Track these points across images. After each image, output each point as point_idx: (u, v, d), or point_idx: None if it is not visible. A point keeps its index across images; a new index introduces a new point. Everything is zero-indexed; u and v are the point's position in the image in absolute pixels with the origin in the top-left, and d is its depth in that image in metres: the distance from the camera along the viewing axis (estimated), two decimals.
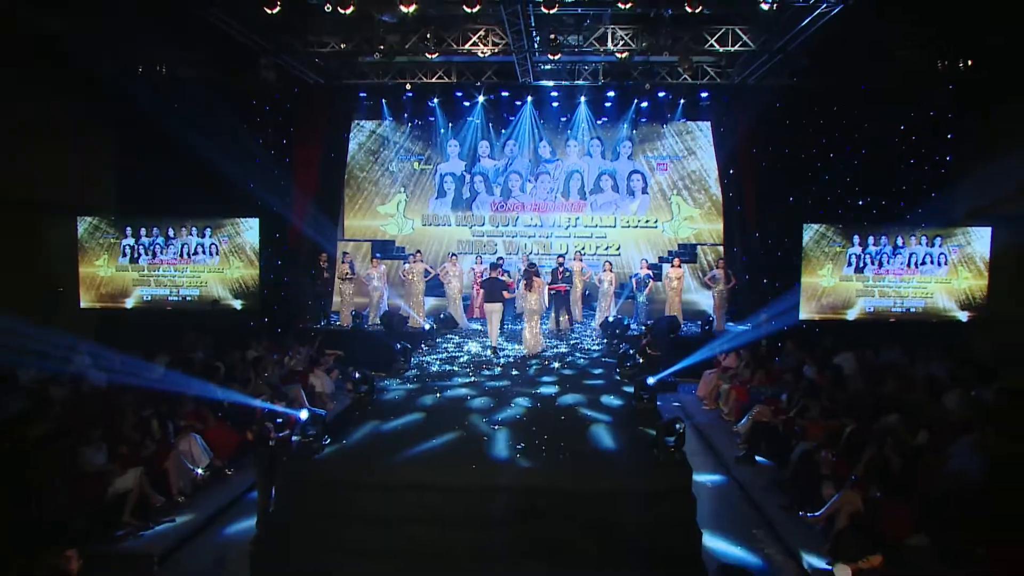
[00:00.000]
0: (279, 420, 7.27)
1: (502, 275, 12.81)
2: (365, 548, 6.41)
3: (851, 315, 14.03)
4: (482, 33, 11.82)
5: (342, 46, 11.85)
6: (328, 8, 9.32)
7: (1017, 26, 10.29)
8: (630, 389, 9.42)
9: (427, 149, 17.30)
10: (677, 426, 7.18)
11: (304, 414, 7.36)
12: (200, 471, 8.06)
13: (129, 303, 13.97)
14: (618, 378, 10.30)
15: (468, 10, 9.59)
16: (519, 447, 7.36)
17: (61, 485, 6.49)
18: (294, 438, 7.37)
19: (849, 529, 6.40)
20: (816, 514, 7.39)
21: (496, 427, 8.00)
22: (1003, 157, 12.47)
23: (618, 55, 12.20)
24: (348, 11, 9.55)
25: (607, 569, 6.10)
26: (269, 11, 9.62)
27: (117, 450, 7.43)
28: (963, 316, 13.78)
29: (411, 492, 6.70)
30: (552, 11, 9.77)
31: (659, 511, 6.59)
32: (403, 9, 9.55)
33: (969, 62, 11.86)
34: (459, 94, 15.80)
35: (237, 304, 14.07)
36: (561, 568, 6.22)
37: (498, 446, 7.46)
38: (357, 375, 9.01)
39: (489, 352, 11.95)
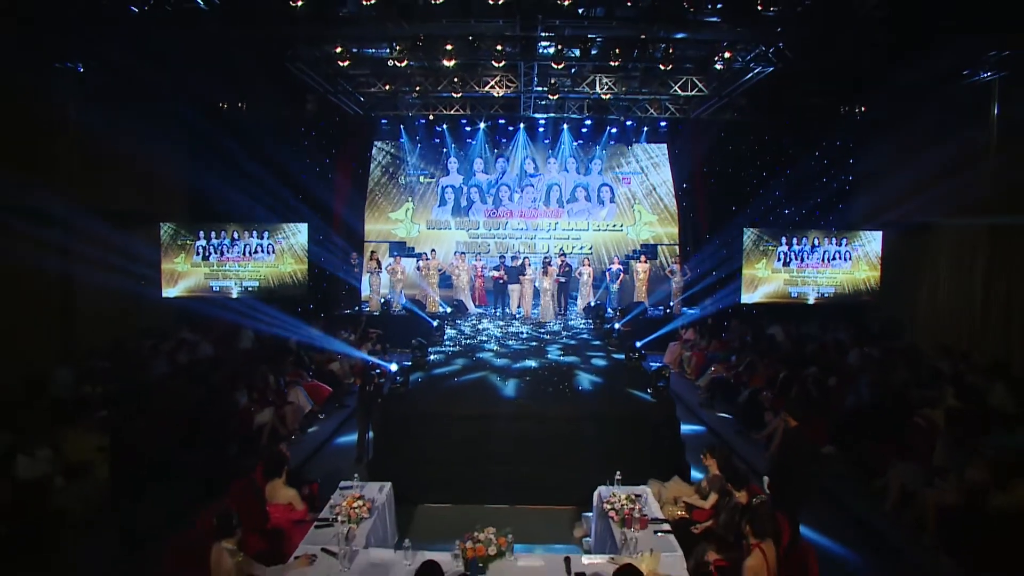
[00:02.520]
0: (377, 370, 9.02)
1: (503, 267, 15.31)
2: (431, 457, 8.04)
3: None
4: (498, 78, 13.65)
5: (386, 87, 13.58)
6: (390, 63, 11.06)
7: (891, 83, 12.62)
8: (620, 356, 11.32)
9: (431, 165, 18.41)
10: (665, 373, 9.31)
11: (394, 366, 9.18)
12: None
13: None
14: (611, 348, 12.04)
15: (496, 64, 11.51)
16: (550, 390, 9.21)
17: (230, 418, 8.22)
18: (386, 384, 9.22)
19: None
20: (760, 433, 9.66)
21: (528, 377, 9.85)
22: (889, 178, 14.49)
23: (602, 96, 14.18)
24: (403, 64, 11.33)
25: (620, 466, 6.80)
26: (341, 63, 11.38)
27: (251, 395, 9.16)
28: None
29: (458, 420, 8.29)
30: (559, 66, 11.75)
31: (654, 430, 8.31)
32: (445, 63, 11.42)
33: (863, 108, 14.18)
34: (463, 121, 17.15)
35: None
36: (577, 463, 7.83)
37: (528, 389, 9.21)
38: (416, 342, 10.80)
39: (508, 316, 14.40)
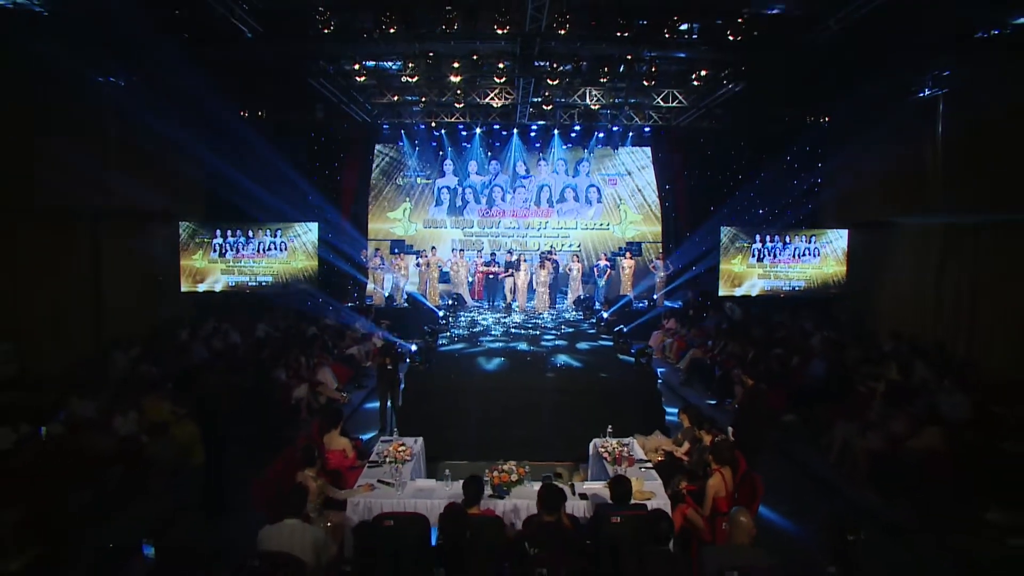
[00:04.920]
0: (400, 350, 10.62)
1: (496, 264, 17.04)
2: (448, 423, 9.51)
3: (754, 292, 17.29)
4: (497, 90, 15.27)
5: (394, 98, 15.15)
6: (403, 79, 12.65)
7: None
8: (609, 343, 13.01)
9: (428, 167, 19.70)
10: (648, 350, 11.01)
11: (413, 347, 10.78)
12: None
13: (218, 287, 16.29)
14: (601, 335, 13.64)
15: (498, 80, 13.14)
16: (548, 368, 10.88)
17: (274, 391, 9.78)
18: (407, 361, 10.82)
19: None
20: (731, 403, 11.38)
21: (528, 358, 11.51)
22: (853, 180, 16.05)
23: (591, 105, 15.88)
24: (414, 79, 12.91)
25: (613, 424, 8.19)
26: (358, 78, 12.95)
27: (288, 373, 10.71)
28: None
29: (469, 393, 9.82)
30: (555, 82, 13.41)
31: (640, 397, 9.96)
32: (451, 78, 13.03)
33: (827, 117, 15.98)
34: (460, 126, 18.53)
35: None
36: (573, 426, 9.31)
37: (527, 367, 10.76)
38: (428, 330, 12.40)
39: (503, 308, 16.07)
